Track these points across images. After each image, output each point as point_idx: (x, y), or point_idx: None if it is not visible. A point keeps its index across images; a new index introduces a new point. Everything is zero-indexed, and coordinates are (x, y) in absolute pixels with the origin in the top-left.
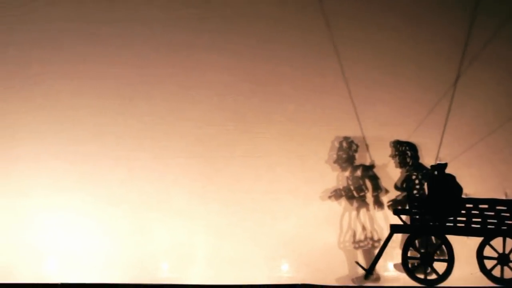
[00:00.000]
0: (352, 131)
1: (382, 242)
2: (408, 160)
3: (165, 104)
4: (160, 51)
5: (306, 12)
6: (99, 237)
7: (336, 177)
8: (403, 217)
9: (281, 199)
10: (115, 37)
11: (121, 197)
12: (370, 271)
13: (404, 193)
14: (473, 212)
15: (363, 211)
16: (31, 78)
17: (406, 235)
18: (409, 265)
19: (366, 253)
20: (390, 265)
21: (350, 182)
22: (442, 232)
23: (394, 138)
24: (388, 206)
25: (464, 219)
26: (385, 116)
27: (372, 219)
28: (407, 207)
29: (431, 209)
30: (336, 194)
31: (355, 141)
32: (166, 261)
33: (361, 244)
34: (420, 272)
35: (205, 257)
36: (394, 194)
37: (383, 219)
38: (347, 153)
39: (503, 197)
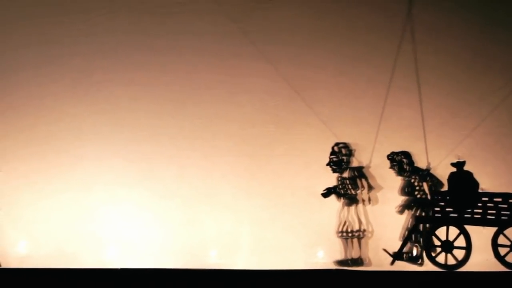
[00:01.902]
0: (380, 132)
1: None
2: (405, 167)
3: (214, 107)
4: (209, 60)
5: (339, 25)
6: (155, 227)
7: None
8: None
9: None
10: (169, 48)
11: (174, 191)
12: (396, 257)
13: (410, 197)
14: (488, 204)
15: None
16: (94, 85)
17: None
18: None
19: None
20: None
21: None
22: (461, 223)
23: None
24: (397, 212)
25: (480, 211)
26: (408, 119)
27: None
28: (430, 201)
29: (451, 202)
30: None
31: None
32: (214, 249)
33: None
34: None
35: (249, 245)
36: (400, 199)
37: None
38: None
39: None
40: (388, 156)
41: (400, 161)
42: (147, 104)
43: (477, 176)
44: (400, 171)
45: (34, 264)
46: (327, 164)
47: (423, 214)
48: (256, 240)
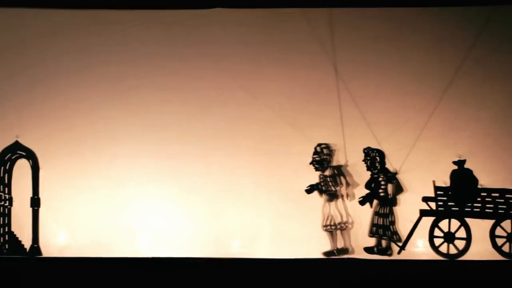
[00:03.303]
0: (386, 134)
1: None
2: (376, 164)
3: (236, 110)
4: (233, 67)
5: (351, 34)
6: (183, 220)
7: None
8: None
9: None
10: (196, 56)
11: (200, 187)
12: (403, 247)
13: (372, 192)
14: (487, 199)
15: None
16: (128, 90)
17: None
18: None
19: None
20: (419, 242)
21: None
22: (462, 216)
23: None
24: (359, 202)
25: (479, 205)
26: (413, 120)
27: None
28: (434, 196)
29: (453, 196)
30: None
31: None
32: (236, 239)
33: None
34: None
35: (268, 236)
36: (364, 191)
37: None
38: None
39: None
40: (364, 149)
41: (374, 158)
42: (175, 108)
43: (476, 173)
44: (371, 167)
45: (73, 253)
46: (310, 163)
47: (383, 210)
48: (275, 232)
